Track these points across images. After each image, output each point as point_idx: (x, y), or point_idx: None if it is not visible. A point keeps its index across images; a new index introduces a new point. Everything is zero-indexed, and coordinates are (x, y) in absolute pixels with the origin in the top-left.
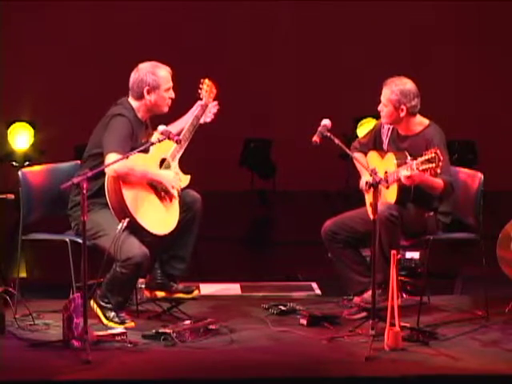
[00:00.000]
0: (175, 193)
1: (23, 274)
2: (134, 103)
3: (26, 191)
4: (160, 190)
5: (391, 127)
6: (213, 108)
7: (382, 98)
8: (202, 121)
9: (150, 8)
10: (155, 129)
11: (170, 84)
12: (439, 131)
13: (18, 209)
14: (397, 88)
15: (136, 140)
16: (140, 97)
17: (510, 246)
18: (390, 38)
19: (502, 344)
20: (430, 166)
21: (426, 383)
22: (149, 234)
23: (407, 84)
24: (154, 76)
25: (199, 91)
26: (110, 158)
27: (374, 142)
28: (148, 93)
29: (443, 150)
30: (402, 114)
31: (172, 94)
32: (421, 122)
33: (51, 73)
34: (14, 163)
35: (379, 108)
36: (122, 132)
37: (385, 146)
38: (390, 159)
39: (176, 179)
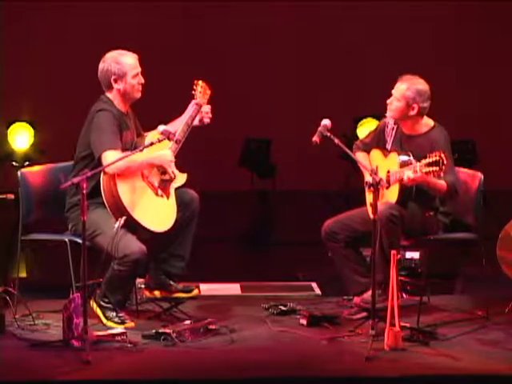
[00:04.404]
0: (173, 174)
1: (23, 274)
2: (110, 96)
3: (26, 191)
4: (156, 187)
5: (395, 127)
6: (206, 110)
7: (396, 92)
8: (197, 122)
9: (150, 9)
10: (153, 129)
11: (138, 69)
12: (444, 133)
13: (17, 209)
14: (414, 86)
15: (122, 132)
16: (109, 87)
17: None
18: (390, 38)
19: (502, 344)
20: (434, 168)
21: (426, 383)
22: (146, 231)
23: (424, 84)
24: (118, 64)
25: (193, 92)
26: (108, 156)
27: (377, 142)
28: (115, 82)
29: (448, 152)
30: (412, 113)
31: (141, 80)
32: (426, 123)
33: (51, 73)
34: (14, 163)
35: (389, 101)
36: (109, 128)
37: (388, 146)
38: (393, 159)
39: (172, 158)
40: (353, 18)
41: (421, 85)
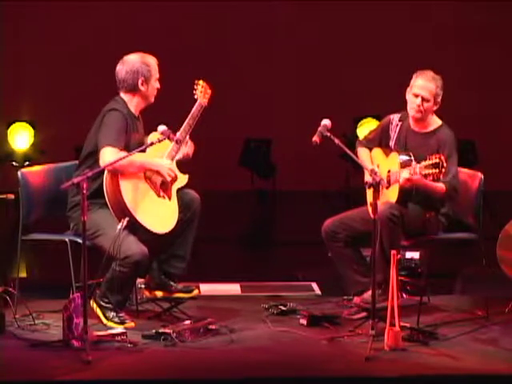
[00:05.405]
0: (173, 189)
1: (23, 274)
2: (125, 97)
3: (26, 191)
4: (159, 188)
5: (400, 124)
6: (187, 148)
7: (425, 92)
8: (177, 156)
9: (150, 8)
10: (154, 129)
11: (158, 74)
12: (452, 134)
13: (17, 209)
14: (438, 82)
15: (131, 134)
16: (133, 89)
17: None
18: (390, 38)
19: (502, 344)
20: (434, 171)
21: (426, 383)
22: (148, 233)
23: (439, 77)
24: (147, 66)
25: (194, 92)
26: (105, 152)
27: (380, 138)
28: (142, 84)
29: (454, 153)
30: (435, 108)
31: (158, 85)
32: (435, 120)
33: (51, 73)
34: (13, 163)
35: (418, 102)
36: (116, 126)
37: (392, 142)
38: (394, 158)
39: (172, 167)
40: (353, 17)
41: (440, 79)
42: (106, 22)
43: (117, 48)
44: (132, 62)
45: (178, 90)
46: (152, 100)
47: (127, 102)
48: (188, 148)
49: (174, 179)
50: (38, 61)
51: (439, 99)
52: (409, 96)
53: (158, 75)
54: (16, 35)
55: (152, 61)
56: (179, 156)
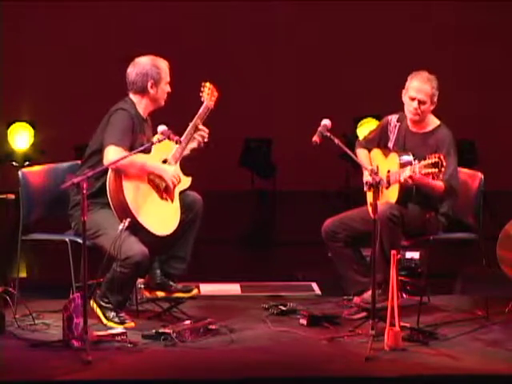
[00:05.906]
0: (176, 192)
1: (23, 274)
2: (134, 98)
3: (26, 191)
4: (161, 190)
5: (398, 124)
6: (202, 132)
7: (421, 95)
8: (195, 145)
9: (150, 8)
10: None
11: (168, 77)
12: (450, 133)
13: (17, 209)
14: (434, 83)
15: (137, 135)
16: (143, 91)
17: None
18: (389, 38)
19: (502, 344)
20: (433, 170)
21: (426, 383)
22: (150, 234)
23: (434, 77)
24: (157, 69)
25: (201, 94)
26: (109, 150)
27: (379, 139)
28: (151, 87)
29: (454, 153)
30: (432, 108)
31: (169, 88)
32: (433, 120)
33: (51, 73)
34: (13, 163)
35: (415, 106)
36: (122, 125)
37: (391, 143)
38: (394, 159)
39: (176, 174)
40: (353, 18)
41: (434, 79)
42: (106, 22)
43: (117, 48)
44: (142, 65)
45: (176, 90)
46: (162, 103)
47: (136, 104)
48: (199, 135)
49: (178, 183)
50: (38, 61)
51: (435, 99)
52: (405, 98)
53: (168, 79)
54: (16, 35)
55: (163, 64)
56: (193, 145)
